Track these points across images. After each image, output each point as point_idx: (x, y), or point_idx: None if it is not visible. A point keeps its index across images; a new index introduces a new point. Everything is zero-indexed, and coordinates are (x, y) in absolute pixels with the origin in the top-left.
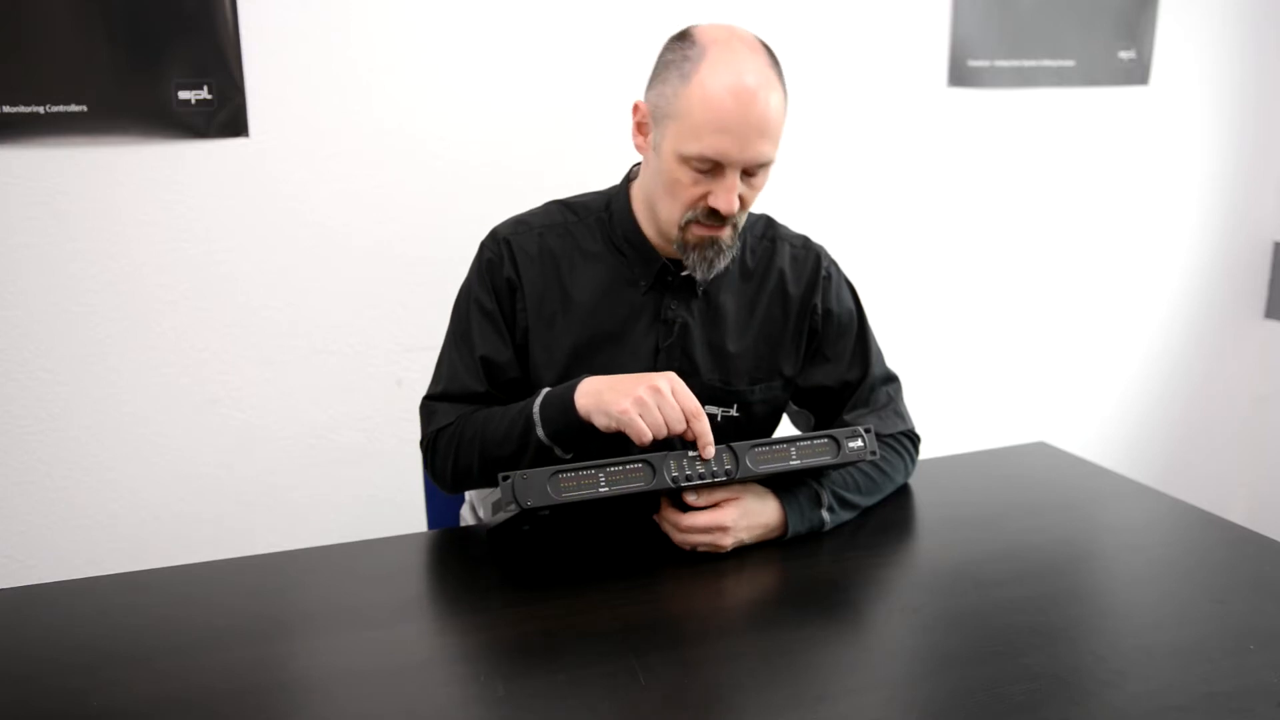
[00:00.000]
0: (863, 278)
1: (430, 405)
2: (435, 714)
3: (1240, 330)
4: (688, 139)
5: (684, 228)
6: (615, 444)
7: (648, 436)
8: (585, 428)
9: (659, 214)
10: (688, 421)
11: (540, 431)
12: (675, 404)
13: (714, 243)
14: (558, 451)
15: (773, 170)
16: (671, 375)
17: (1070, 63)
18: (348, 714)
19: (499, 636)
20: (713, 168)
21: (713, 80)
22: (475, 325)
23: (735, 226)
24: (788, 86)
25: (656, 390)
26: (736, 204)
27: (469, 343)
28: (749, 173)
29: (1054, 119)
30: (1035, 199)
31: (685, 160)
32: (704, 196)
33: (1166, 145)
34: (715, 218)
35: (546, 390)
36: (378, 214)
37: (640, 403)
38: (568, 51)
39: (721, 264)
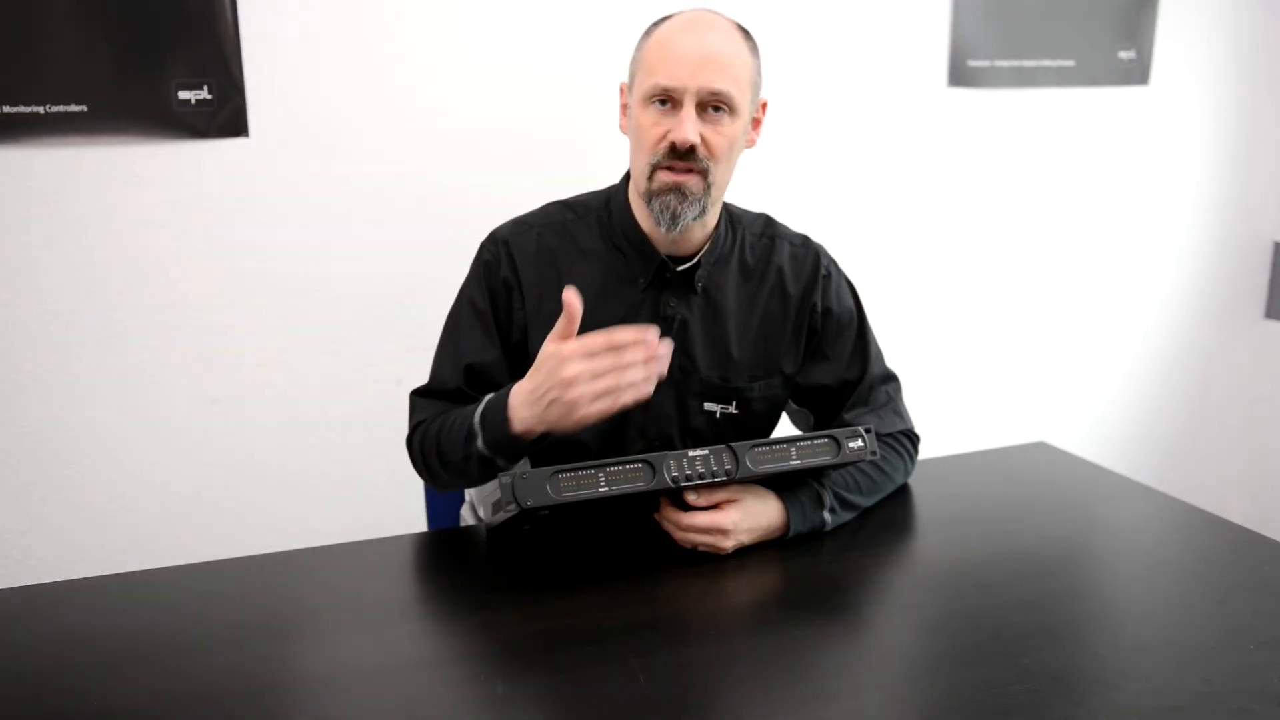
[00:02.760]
0: (862, 277)
1: (413, 400)
2: (435, 714)
3: (1240, 330)
4: (645, 79)
5: (650, 177)
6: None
7: (648, 391)
8: (525, 445)
9: (635, 177)
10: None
11: (480, 443)
12: (605, 365)
13: (677, 188)
14: (500, 463)
15: (773, 169)
16: (558, 352)
17: (1070, 63)
18: (348, 714)
19: (499, 636)
20: (671, 104)
21: (670, 27)
22: (465, 325)
23: (705, 178)
24: (786, 85)
25: (579, 380)
26: (691, 133)
27: (456, 342)
28: (709, 110)
29: (1054, 119)
30: (1035, 199)
31: (647, 102)
32: (665, 135)
33: (1166, 145)
34: (676, 155)
35: (487, 399)
36: (378, 214)
37: (593, 396)
38: (568, 51)
39: (686, 217)
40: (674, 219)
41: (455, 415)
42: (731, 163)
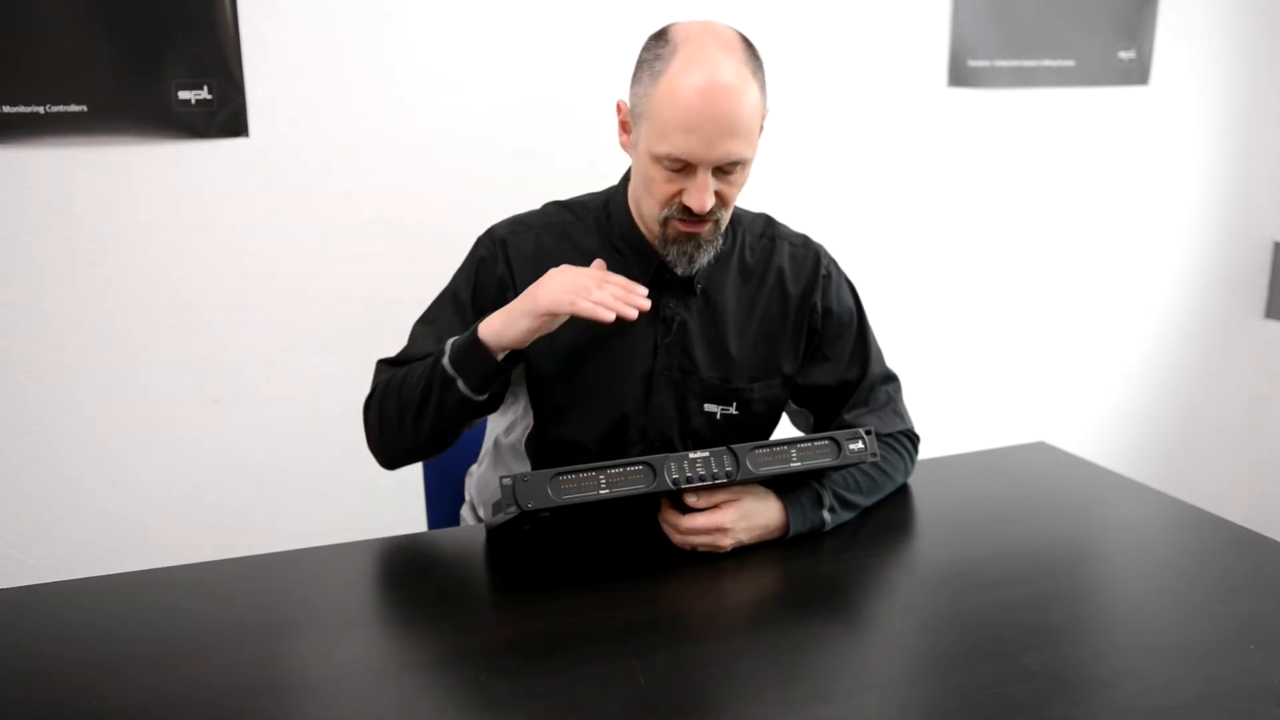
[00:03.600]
0: (863, 277)
1: (380, 366)
2: (435, 714)
3: (1240, 330)
4: (657, 139)
5: (664, 224)
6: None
7: (607, 315)
8: (489, 360)
9: (642, 210)
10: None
11: (445, 359)
12: (588, 282)
13: (693, 238)
14: (460, 385)
15: (773, 169)
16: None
17: (1070, 63)
18: (347, 714)
19: (499, 636)
20: (684, 166)
21: (680, 80)
22: (445, 313)
23: (717, 223)
24: (786, 85)
25: (559, 275)
26: (709, 202)
27: (434, 325)
28: (724, 170)
29: (1054, 119)
30: (1035, 199)
31: (658, 159)
32: (679, 194)
33: (1166, 145)
34: (691, 215)
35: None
36: (377, 214)
37: (560, 286)
38: (568, 51)
39: (703, 259)
40: (691, 262)
41: (428, 359)
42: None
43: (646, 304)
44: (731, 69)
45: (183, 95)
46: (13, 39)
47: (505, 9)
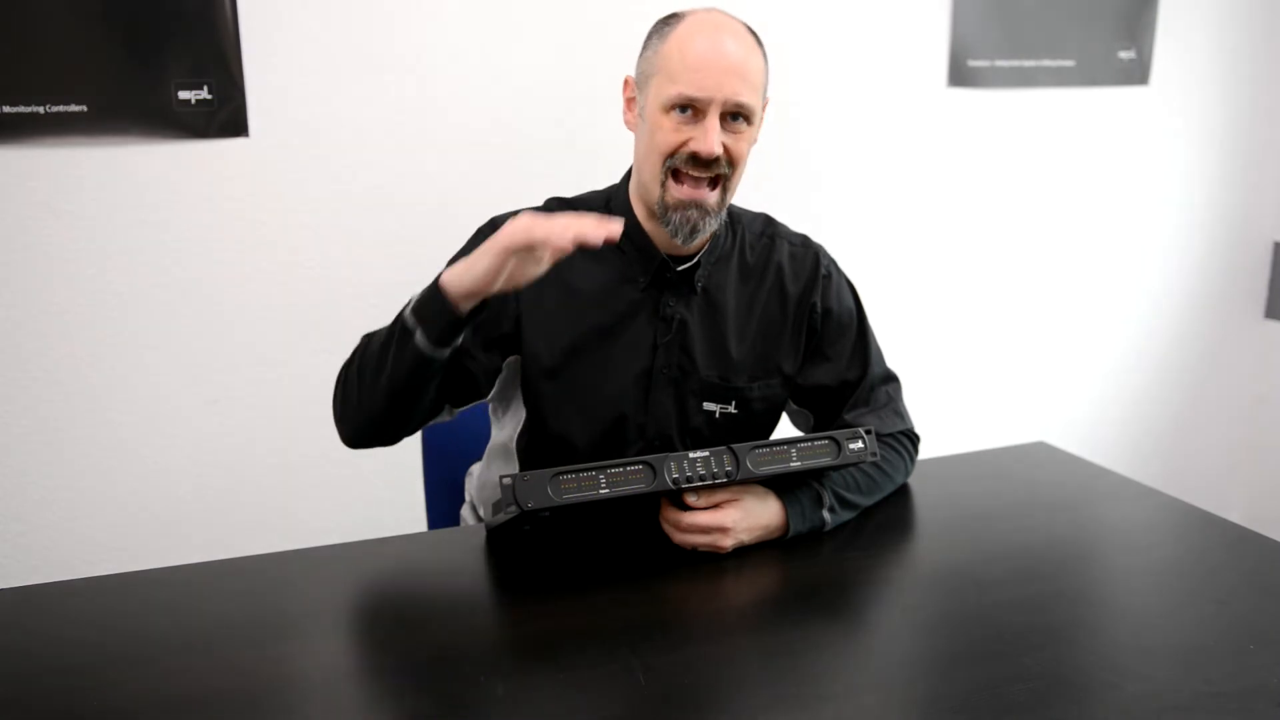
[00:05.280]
0: (863, 277)
1: (363, 340)
2: (435, 714)
3: (1240, 330)
4: (667, 86)
5: (664, 186)
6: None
7: (565, 239)
8: (449, 309)
9: (644, 180)
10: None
11: (408, 310)
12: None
13: (696, 204)
14: (418, 336)
15: (773, 169)
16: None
17: (1070, 63)
18: (347, 714)
19: (499, 636)
20: (693, 113)
21: (689, 31)
22: None
23: (724, 189)
24: (787, 85)
25: (523, 219)
26: (717, 146)
27: None
28: (731, 120)
29: (1054, 119)
30: (1035, 199)
31: (667, 109)
32: (685, 143)
33: (1166, 145)
34: (696, 164)
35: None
36: (377, 214)
37: (524, 225)
38: (568, 50)
39: (705, 230)
40: (693, 232)
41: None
42: (744, 167)
43: (617, 232)
44: (736, 28)
45: (183, 95)
46: (13, 39)
47: (505, 7)
